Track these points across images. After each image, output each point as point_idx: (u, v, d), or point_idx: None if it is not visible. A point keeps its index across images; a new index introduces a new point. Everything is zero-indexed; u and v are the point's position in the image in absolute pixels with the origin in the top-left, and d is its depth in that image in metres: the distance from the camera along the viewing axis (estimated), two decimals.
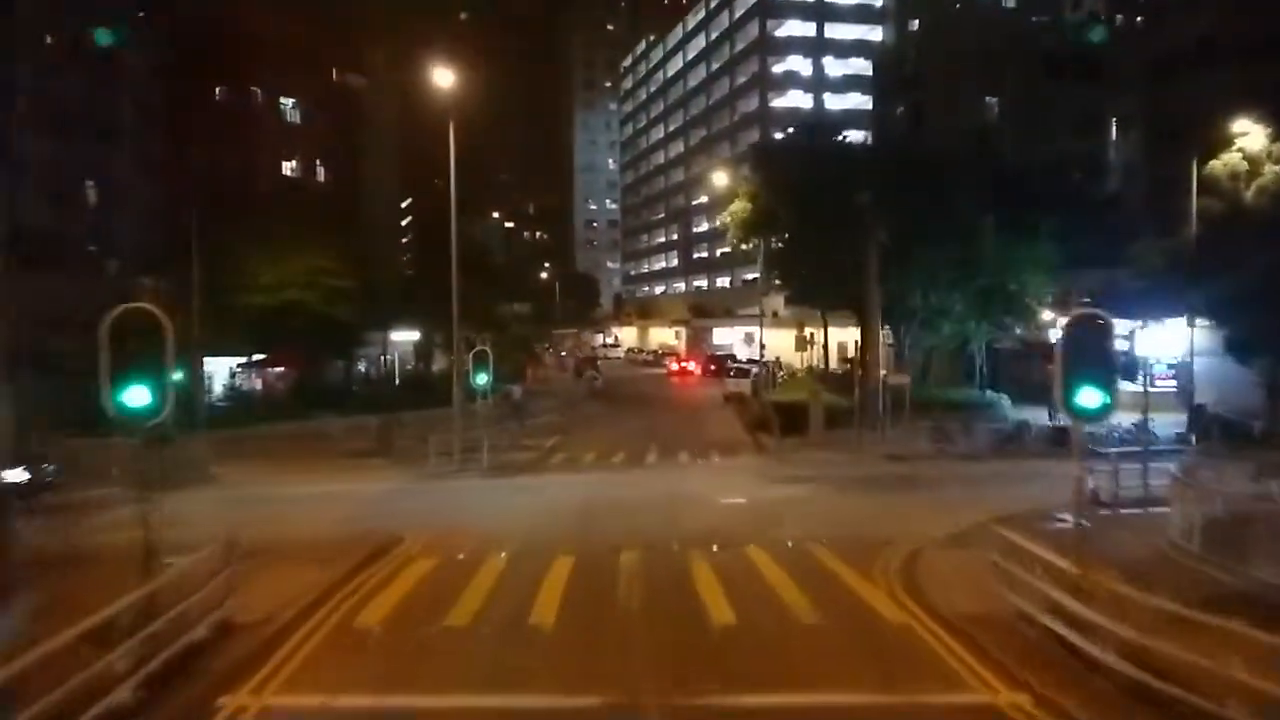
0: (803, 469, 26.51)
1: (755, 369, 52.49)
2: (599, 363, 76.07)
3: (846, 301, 38.80)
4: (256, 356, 47.00)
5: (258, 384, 49.15)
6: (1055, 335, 41.85)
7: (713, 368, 70.77)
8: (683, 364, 75.82)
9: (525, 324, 69.52)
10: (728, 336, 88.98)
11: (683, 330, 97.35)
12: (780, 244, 43.52)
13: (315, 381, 47.25)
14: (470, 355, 27.85)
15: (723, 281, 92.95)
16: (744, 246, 45.19)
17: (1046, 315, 37.56)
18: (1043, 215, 37.57)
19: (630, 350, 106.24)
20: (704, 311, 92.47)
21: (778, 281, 47.25)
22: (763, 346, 70.09)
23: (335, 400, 40.85)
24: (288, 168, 54.91)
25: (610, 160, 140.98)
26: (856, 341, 41.78)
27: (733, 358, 74.14)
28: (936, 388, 39.76)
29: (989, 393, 40.08)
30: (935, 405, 35.49)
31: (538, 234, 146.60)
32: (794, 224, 37.58)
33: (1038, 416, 32.56)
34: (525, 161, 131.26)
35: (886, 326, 59.53)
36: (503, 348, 60.77)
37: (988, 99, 54.41)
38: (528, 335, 66.60)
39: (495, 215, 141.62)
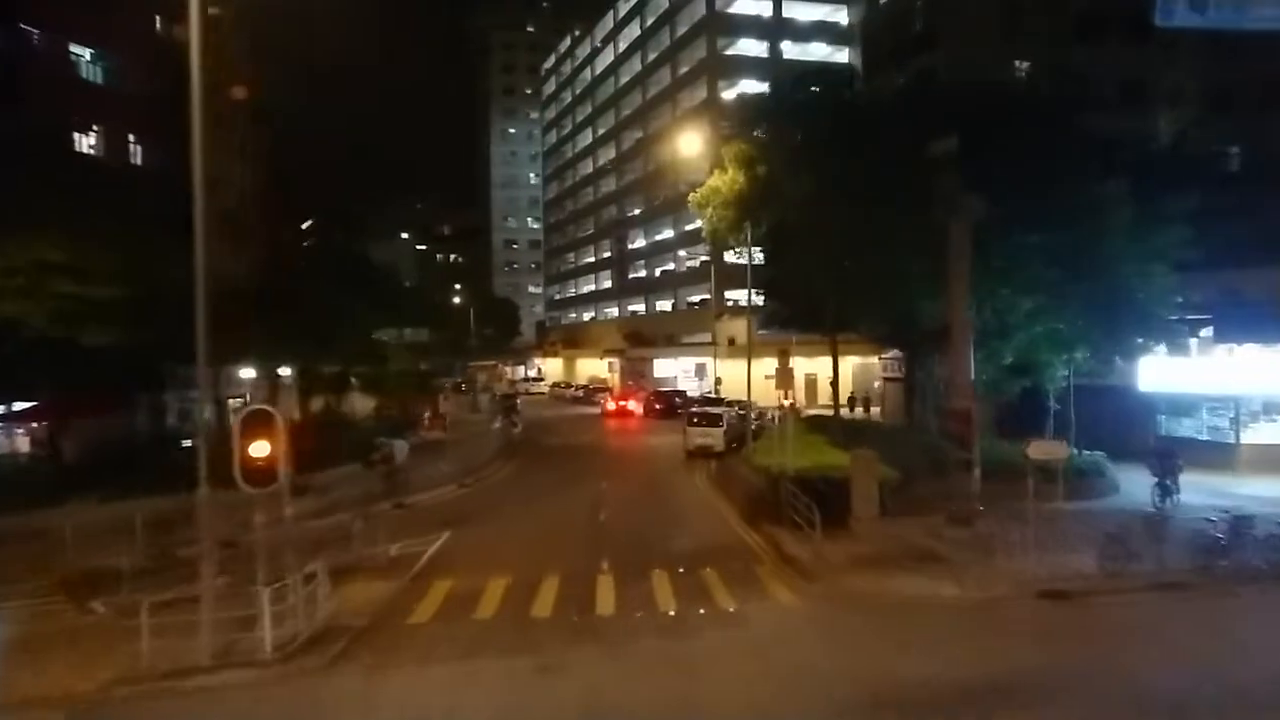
0: (926, 650, 12.92)
1: (728, 412, 39.11)
2: (519, 401, 61.93)
3: (891, 314, 25.61)
4: (19, 405, 32.37)
5: (24, 444, 34.25)
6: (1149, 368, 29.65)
7: (658, 407, 58.11)
8: (621, 402, 62.32)
9: (433, 356, 55.59)
10: (671, 368, 76.09)
11: (616, 361, 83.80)
12: (775, 241, 30.16)
13: (112, 439, 32.35)
14: (239, 419, 13.31)
15: (664, 304, 79.70)
16: (730, 241, 31.39)
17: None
18: (1175, 193, 25.25)
19: (556, 385, 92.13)
20: (642, 339, 78.99)
21: (763, 299, 33.82)
22: (719, 380, 57.68)
23: (110, 474, 26.54)
24: (86, 143, 39.86)
25: (532, 174, 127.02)
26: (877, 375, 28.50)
27: (681, 394, 61.75)
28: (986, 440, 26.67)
29: (1084, 452, 27.53)
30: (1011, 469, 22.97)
31: (451, 256, 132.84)
32: (821, 200, 24.07)
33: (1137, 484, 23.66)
34: (438, 177, 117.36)
35: (882, 355, 47.23)
36: (389, 387, 46.59)
37: (1016, 63, 42.43)
38: (426, 371, 52.19)
39: (405, 236, 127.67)
